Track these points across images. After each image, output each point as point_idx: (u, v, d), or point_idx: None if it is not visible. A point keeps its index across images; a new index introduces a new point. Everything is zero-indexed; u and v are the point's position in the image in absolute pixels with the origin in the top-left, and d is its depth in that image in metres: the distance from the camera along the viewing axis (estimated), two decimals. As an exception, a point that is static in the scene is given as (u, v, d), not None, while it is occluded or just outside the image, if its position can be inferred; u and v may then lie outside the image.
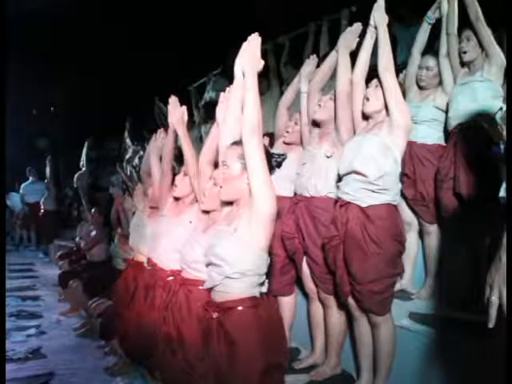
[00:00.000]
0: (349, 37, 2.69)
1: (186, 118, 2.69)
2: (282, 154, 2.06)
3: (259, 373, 1.72)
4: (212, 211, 2.24)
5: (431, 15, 3.12)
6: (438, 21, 3.11)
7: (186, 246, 2.29)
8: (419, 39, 3.16)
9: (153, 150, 3.06)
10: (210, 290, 1.92)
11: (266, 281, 1.91)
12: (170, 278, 2.41)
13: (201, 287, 2.09)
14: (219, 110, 2.26)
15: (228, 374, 1.75)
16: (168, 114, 2.73)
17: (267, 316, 1.83)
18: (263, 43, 1.93)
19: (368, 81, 2.53)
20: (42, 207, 8.64)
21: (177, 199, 2.70)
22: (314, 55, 3.16)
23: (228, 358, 1.75)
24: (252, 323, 1.78)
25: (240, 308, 1.79)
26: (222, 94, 2.29)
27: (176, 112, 2.68)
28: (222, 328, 1.80)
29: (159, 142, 3.02)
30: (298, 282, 3.09)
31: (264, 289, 1.89)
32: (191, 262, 2.22)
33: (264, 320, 1.81)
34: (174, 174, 2.81)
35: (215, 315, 1.84)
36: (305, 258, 2.88)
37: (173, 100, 2.70)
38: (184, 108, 2.69)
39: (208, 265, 1.92)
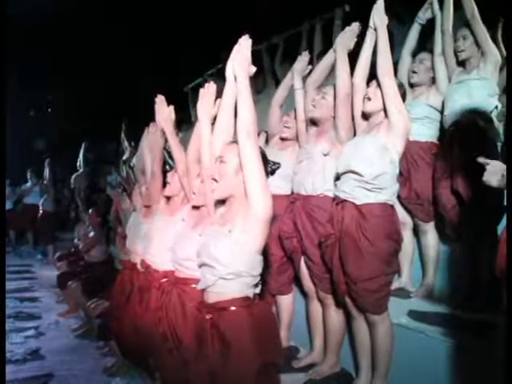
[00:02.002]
0: (347, 36, 2.68)
1: (173, 116, 2.68)
2: (277, 163, 2.04)
3: (254, 372, 1.72)
4: (202, 206, 2.24)
5: (422, 15, 3.13)
6: (432, 20, 3.11)
7: (177, 243, 2.29)
8: (410, 39, 3.18)
9: (146, 145, 3.00)
10: (203, 290, 1.90)
11: (260, 282, 1.90)
12: (164, 279, 2.40)
13: (194, 285, 2.09)
14: (200, 107, 2.22)
15: (223, 374, 1.74)
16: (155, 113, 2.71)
17: (261, 315, 1.82)
18: (258, 43, 1.92)
19: (369, 78, 2.54)
20: (41, 209, 8.62)
21: (168, 198, 2.69)
22: (307, 52, 3.16)
23: (222, 358, 1.75)
24: (246, 323, 1.77)
25: (233, 308, 1.78)
26: (201, 90, 2.26)
27: (162, 111, 2.66)
28: (215, 328, 1.79)
29: (151, 136, 2.96)
30: (297, 280, 3.09)
31: (258, 290, 1.89)
32: (182, 259, 2.22)
33: (257, 319, 1.80)
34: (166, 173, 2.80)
35: (209, 316, 1.83)
36: (303, 258, 2.88)
37: (159, 99, 2.69)
38: (171, 107, 2.68)
39: (201, 265, 1.91)
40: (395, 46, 4.12)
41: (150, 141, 2.90)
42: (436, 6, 3.06)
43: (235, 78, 1.89)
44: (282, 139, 3.14)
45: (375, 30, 2.47)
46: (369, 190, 2.36)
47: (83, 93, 9.28)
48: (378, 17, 2.46)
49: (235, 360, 1.73)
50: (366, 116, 2.55)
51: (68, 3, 7.38)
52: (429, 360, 2.41)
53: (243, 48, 1.88)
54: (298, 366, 2.90)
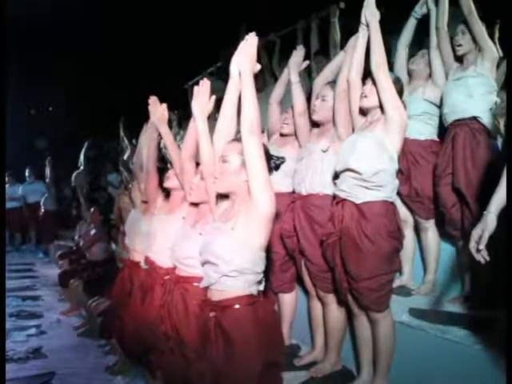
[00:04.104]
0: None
1: (166, 115, 2.70)
2: (282, 157, 2.04)
3: (257, 370, 1.72)
4: (200, 204, 2.24)
5: (419, 10, 3.13)
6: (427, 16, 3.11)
7: (176, 242, 2.29)
8: (405, 34, 3.17)
9: (144, 142, 3.02)
10: (206, 288, 1.90)
11: (264, 279, 1.90)
12: (167, 276, 2.41)
13: (195, 284, 2.09)
14: (194, 105, 2.22)
15: (226, 372, 1.74)
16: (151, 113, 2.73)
17: (264, 314, 1.82)
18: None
19: (365, 76, 2.53)
20: (42, 207, 8.64)
21: (167, 195, 2.71)
22: (301, 46, 3.16)
23: (226, 357, 1.74)
24: (249, 321, 1.77)
25: (237, 306, 1.78)
26: (195, 87, 2.26)
27: (156, 111, 2.68)
28: (219, 327, 1.79)
29: (150, 133, 2.96)
30: (299, 279, 3.09)
31: (261, 287, 1.88)
32: (183, 257, 2.22)
33: (261, 318, 1.79)
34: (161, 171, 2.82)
35: (212, 314, 1.82)
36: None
37: (152, 100, 2.71)
38: (164, 106, 2.70)
39: (204, 263, 1.90)
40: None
41: (147, 138, 2.92)
42: (430, 1, 3.06)
43: (239, 74, 1.89)
44: (282, 135, 3.15)
45: (367, 25, 2.47)
46: (368, 188, 2.35)
47: (83, 91, 9.28)
48: (369, 12, 2.46)
49: (239, 358, 1.73)
50: (363, 113, 2.55)
51: (68, 3, 7.38)
52: (430, 358, 2.41)
53: (249, 45, 1.88)
54: (300, 364, 2.90)
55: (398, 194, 2.99)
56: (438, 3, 3.01)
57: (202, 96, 2.22)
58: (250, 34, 1.90)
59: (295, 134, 3.03)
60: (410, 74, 3.15)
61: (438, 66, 3.01)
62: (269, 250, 1.91)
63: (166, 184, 2.69)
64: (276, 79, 4.84)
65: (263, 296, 1.92)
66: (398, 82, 2.47)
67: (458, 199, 2.80)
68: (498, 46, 2.99)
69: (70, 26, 8.03)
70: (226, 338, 1.76)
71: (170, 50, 7.69)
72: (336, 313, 2.76)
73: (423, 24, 3.15)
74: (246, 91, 1.84)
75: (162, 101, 2.77)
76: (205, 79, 2.27)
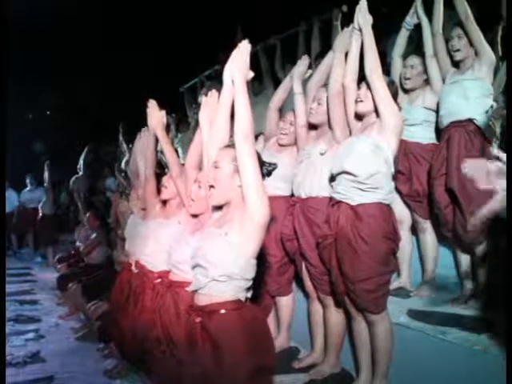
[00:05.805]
0: (345, 38, 2.69)
1: (164, 120, 2.73)
2: (274, 164, 2.04)
3: (246, 375, 1.71)
4: (200, 214, 2.24)
5: (410, 20, 3.14)
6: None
7: (174, 245, 2.28)
8: (399, 44, 3.19)
9: (139, 149, 3.03)
10: (194, 292, 1.89)
11: (252, 286, 1.89)
12: (158, 280, 2.40)
13: (187, 288, 2.09)
14: (202, 115, 2.24)
15: (215, 377, 1.73)
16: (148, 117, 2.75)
17: (251, 318, 1.81)
18: (255, 44, 1.93)
19: (360, 81, 2.54)
20: (40, 211, 8.62)
21: (164, 202, 2.71)
22: (306, 56, 3.17)
23: (214, 362, 1.73)
24: (236, 326, 1.76)
25: (223, 311, 1.77)
26: (204, 98, 2.27)
27: (154, 115, 2.70)
28: (205, 332, 1.78)
29: (144, 140, 2.98)
30: (299, 281, 3.09)
31: (249, 294, 1.88)
32: (179, 262, 2.22)
33: (248, 322, 1.78)
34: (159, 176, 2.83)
35: (198, 319, 1.82)
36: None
37: (151, 104, 2.74)
38: (163, 112, 2.72)
39: (194, 267, 1.90)
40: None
41: (142, 145, 2.93)
42: (420, 10, 3.07)
43: (232, 81, 1.89)
44: (280, 145, 3.14)
45: (360, 30, 2.49)
46: (363, 190, 2.36)
47: (81, 95, 9.28)
48: (362, 17, 2.49)
49: (226, 363, 1.72)
50: (359, 117, 2.56)
51: (68, 3, 7.39)
52: (429, 359, 2.41)
53: (242, 52, 1.89)
54: (299, 367, 2.90)
55: (399, 193, 3.01)
56: (431, 9, 3.02)
57: (210, 107, 2.22)
58: (243, 41, 1.90)
59: (295, 142, 3.03)
60: (405, 88, 3.14)
61: (435, 74, 3.02)
62: (265, 254, 1.91)
63: (162, 196, 2.70)
64: (276, 82, 4.85)
65: (253, 302, 1.92)
66: (392, 85, 2.49)
67: (451, 200, 2.80)
68: (500, 49, 3.00)
69: (68, 31, 8.05)
70: (213, 343, 1.75)
71: (167, 53, 7.70)
72: (336, 315, 2.76)
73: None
74: (239, 98, 1.84)
75: (158, 104, 2.78)
76: (213, 91, 2.27)
